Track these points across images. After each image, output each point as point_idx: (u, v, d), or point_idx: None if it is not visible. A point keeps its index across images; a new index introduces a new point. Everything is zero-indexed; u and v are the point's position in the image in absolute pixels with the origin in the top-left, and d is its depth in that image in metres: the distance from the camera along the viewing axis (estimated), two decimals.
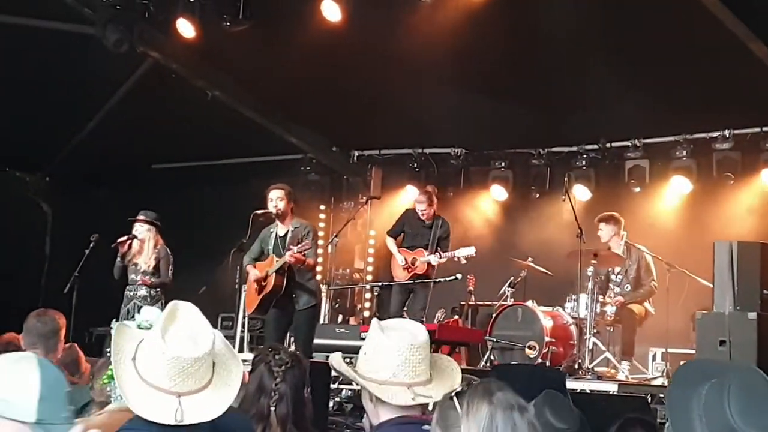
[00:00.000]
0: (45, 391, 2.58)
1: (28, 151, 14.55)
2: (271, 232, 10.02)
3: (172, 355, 3.01)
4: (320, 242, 11.72)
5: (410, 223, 11.75)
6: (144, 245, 10.79)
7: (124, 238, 10.75)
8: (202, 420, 3.03)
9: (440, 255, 11.29)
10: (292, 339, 10.14)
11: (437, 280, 11.34)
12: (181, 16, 11.45)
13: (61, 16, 11.68)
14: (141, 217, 10.82)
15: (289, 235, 9.86)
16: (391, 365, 3.50)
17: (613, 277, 11.44)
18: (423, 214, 11.59)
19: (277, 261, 9.74)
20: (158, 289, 10.77)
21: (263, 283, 9.85)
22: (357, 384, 3.70)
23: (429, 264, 11.36)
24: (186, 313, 3.17)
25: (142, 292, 10.71)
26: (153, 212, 10.94)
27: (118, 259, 10.79)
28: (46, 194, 15.81)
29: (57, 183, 15.77)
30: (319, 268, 12.70)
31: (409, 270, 11.46)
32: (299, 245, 9.61)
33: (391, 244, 11.82)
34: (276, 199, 9.89)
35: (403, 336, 3.54)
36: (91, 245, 11.13)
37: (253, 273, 9.96)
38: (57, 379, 2.68)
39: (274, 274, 9.71)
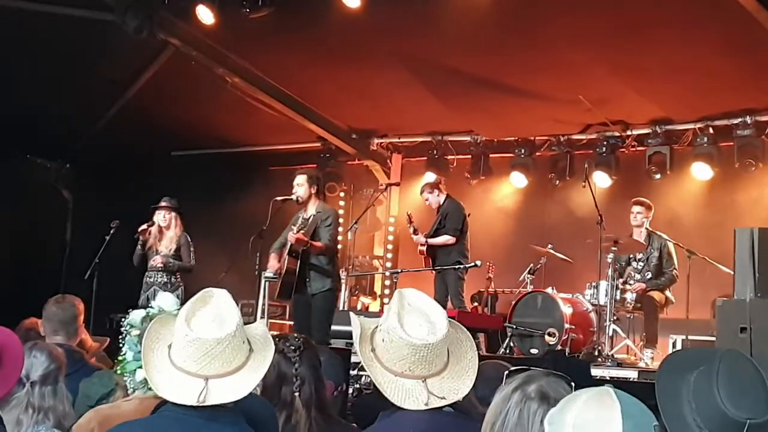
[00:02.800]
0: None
1: (49, 138, 14.59)
2: (299, 217, 10.02)
3: (194, 337, 3.07)
4: (339, 229, 11.72)
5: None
6: (164, 232, 10.83)
7: (144, 227, 10.79)
8: (225, 401, 3.07)
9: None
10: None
11: (456, 266, 11.33)
12: (201, 3, 11.45)
13: (81, 3, 11.70)
14: (163, 204, 10.87)
15: (311, 219, 9.87)
16: (407, 360, 3.34)
17: (634, 264, 11.40)
18: (430, 205, 11.85)
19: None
20: (177, 276, 10.82)
21: (282, 269, 9.89)
22: (369, 374, 3.51)
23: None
24: (217, 298, 3.22)
25: (162, 278, 10.75)
26: (174, 199, 10.98)
27: (139, 246, 10.84)
28: (67, 181, 15.85)
29: (78, 170, 15.81)
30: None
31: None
32: (306, 226, 9.66)
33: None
34: (296, 185, 9.95)
35: (422, 331, 3.35)
36: (112, 232, 11.15)
37: (272, 262, 10.02)
38: (643, 413, 2.62)
39: (287, 257, 9.74)
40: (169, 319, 3.32)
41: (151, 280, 10.77)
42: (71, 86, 12.86)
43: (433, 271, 11.53)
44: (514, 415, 2.78)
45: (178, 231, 10.85)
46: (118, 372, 3.82)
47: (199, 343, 3.06)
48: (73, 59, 12.40)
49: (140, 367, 3.63)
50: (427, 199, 11.89)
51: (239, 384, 3.11)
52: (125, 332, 3.78)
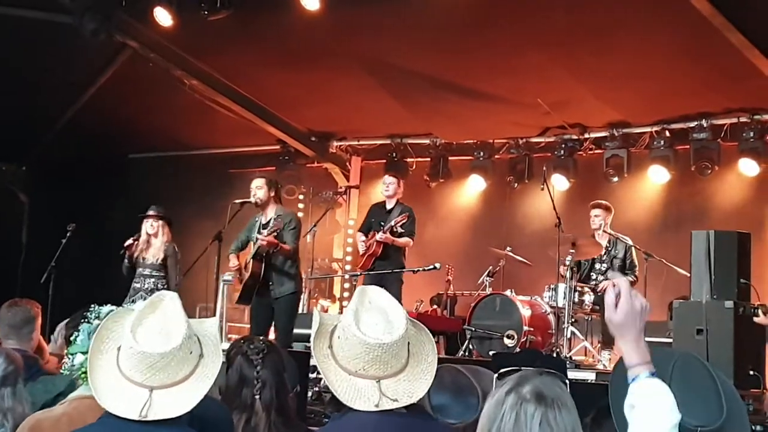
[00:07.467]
0: None
1: (5, 140, 14.45)
2: (256, 221, 10.05)
3: (139, 350, 3.04)
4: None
5: (376, 216, 11.57)
6: (152, 240, 10.76)
7: (130, 241, 10.70)
8: (166, 416, 3.04)
9: (383, 231, 10.90)
10: (273, 329, 10.11)
11: (416, 269, 11.29)
12: (159, 5, 11.40)
13: (38, 5, 11.61)
14: (151, 213, 10.79)
15: (271, 223, 9.84)
16: (360, 359, 3.26)
17: (597, 266, 11.46)
18: (387, 195, 11.29)
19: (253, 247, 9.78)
20: (165, 283, 10.68)
21: (244, 272, 9.86)
22: (320, 371, 3.38)
23: (378, 242, 10.98)
24: (166, 306, 3.18)
25: (150, 284, 10.66)
26: (162, 207, 10.91)
27: (126, 261, 10.74)
28: (24, 184, 15.71)
29: (34, 173, 15.68)
30: None
31: (366, 253, 11.23)
32: (269, 228, 9.62)
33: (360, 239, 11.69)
34: (255, 188, 9.95)
35: (378, 330, 3.26)
36: (68, 235, 11.06)
37: (232, 262, 10.00)
38: None
39: (252, 260, 9.73)
40: (124, 315, 3.27)
41: (138, 285, 10.68)
42: (28, 88, 12.75)
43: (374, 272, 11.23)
44: (510, 419, 2.65)
45: (166, 240, 10.76)
46: (66, 352, 3.81)
47: (142, 356, 3.03)
48: (30, 61, 12.30)
49: (83, 353, 3.63)
50: (389, 192, 11.39)
51: (183, 398, 3.08)
52: (88, 317, 3.76)
